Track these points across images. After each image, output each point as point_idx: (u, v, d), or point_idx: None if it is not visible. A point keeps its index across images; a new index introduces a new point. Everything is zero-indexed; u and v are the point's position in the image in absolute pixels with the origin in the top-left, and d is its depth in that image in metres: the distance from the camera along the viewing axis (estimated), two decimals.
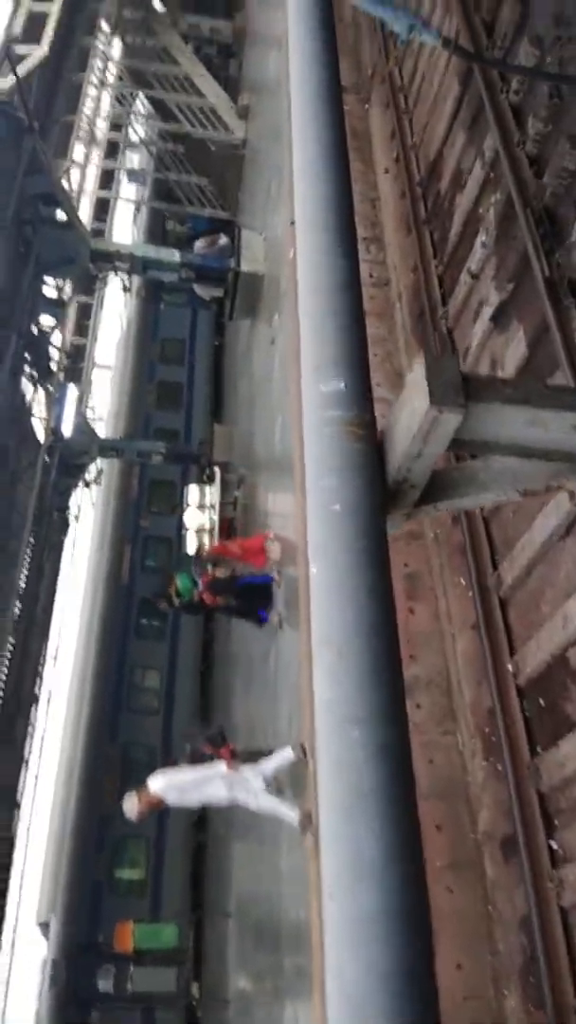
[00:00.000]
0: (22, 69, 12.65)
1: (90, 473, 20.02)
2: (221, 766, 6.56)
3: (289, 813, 6.45)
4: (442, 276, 9.05)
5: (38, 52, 13.53)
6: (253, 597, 10.60)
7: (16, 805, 16.83)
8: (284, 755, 6.63)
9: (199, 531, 15.63)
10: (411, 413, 2.17)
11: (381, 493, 2.23)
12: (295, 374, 2.53)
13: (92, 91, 21.36)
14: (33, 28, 14.60)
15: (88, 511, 21.25)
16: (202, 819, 19.52)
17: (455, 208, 8.72)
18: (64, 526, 19.75)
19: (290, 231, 4.23)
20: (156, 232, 27.22)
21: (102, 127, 23.44)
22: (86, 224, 23.01)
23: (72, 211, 13.90)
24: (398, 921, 1.62)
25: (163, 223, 27.16)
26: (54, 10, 14.84)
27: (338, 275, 2.60)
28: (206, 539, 15.38)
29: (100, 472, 20.70)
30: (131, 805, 6.47)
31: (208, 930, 16.98)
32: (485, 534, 7.42)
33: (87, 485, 20.35)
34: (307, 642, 1.96)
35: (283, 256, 14.10)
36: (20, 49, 13.64)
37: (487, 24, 8.41)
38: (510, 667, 6.72)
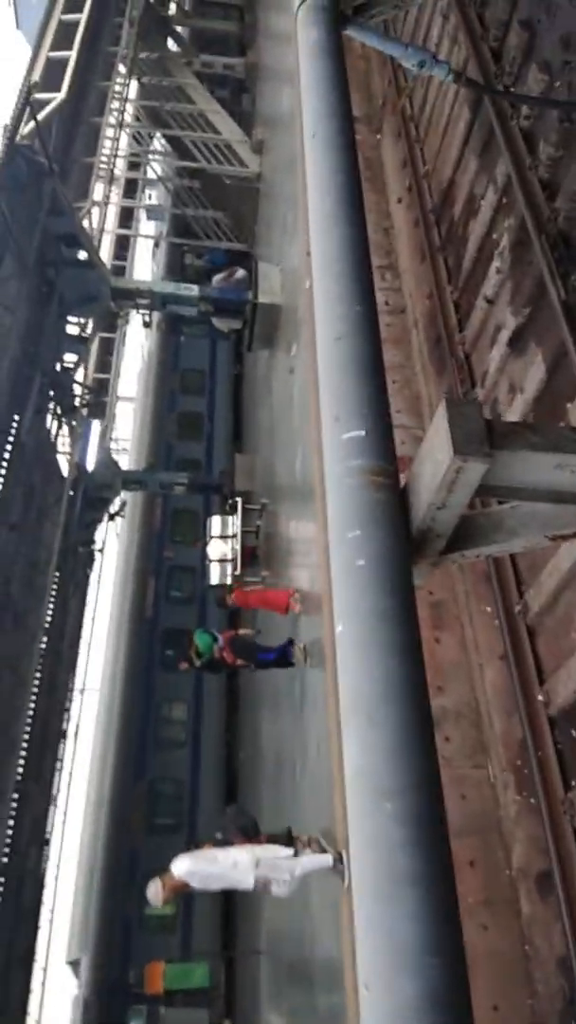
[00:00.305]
0: (42, 115, 12.96)
1: (114, 506, 20.15)
2: (252, 866, 6.08)
3: (322, 860, 6.05)
4: (458, 302, 9.04)
5: (57, 97, 13.88)
6: (277, 663, 10.27)
7: (45, 842, 16.72)
8: (318, 860, 6.13)
9: (222, 561, 15.57)
10: (435, 463, 2.11)
11: (406, 544, 2.17)
12: (315, 423, 2.49)
13: (110, 132, 21.84)
14: (52, 74, 15.01)
15: (112, 544, 21.36)
16: None
17: (469, 234, 8.73)
18: (89, 560, 19.84)
19: (306, 262, 4.23)
20: (175, 266, 27.61)
21: (121, 166, 23.96)
22: (106, 261, 23.45)
23: (93, 251, 14.15)
24: (438, 1012, 1.53)
25: (182, 257, 27.54)
26: (72, 56, 15.25)
27: (355, 318, 2.56)
28: (229, 569, 15.32)
29: (124, 504, 20.82)
30: (155, 892, 6.12)
31: (240, 968, 16.66)
32: (510, 561, 7.31)
33: (111, 518, 20.46)
34: (335, 706, 1.89)
35: (299, 287, 14.25)
36: (40, 95, 14.00)
37: (495, 51, 8.48)
38: (540, 697, 6.57)
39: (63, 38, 16.03)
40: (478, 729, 7.54)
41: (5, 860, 13.77)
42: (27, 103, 12.36)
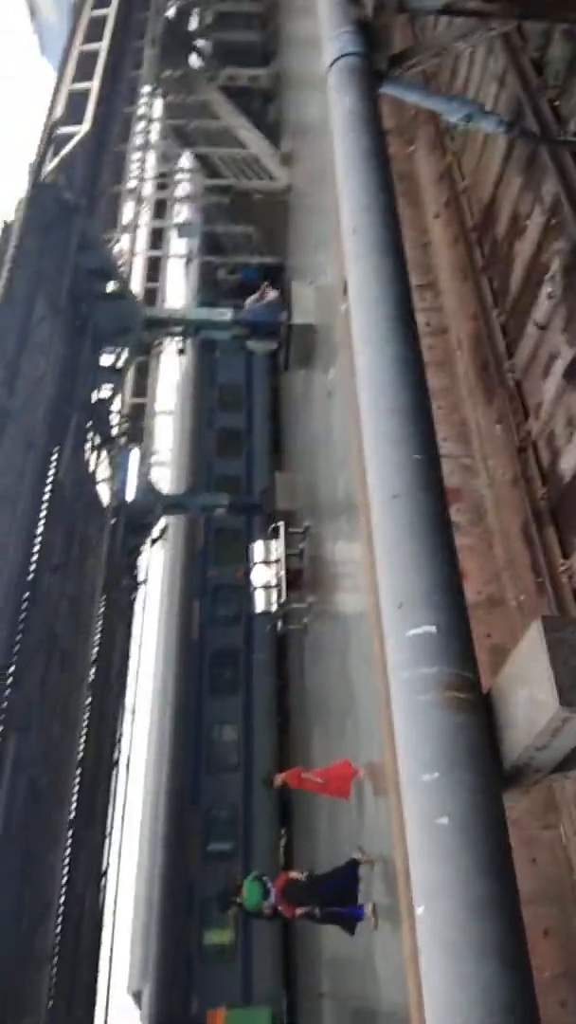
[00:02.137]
0: (65, 151, 12.82)
1: (156, 530, 20.01)
2: None
3: None
4: (505, 326, 8.55)
5: (81, 131, 13.71)
6: (341, 897, 8.58)
7: (102, 875, 16.61)
8: None
9: (267, 587, 15.32)
10: (532, 702, 1.70)
11: (498, 787, 1.76)
12: (372, 612, 2.10)
13: (137, 154, 21.74)
14: (76, 106, 14.86)
15: (156, 569, 21.20)
16: None
17: (515, 256, 8.24)
18: (134, 586, 19.73)
19: (343, 299, 3.87)
20: (208, 283, 27.45)
21: (149, 187, 23.88)
22: (139, 283, 23.37)
23: (124, 283, 13.98)
24: None
25: (214, 273, 27.38)
26: (95, 87, 15.07)
27: (414, 470, 2.14)
28: (274, 596, 15.06)
29: (166, 528, 20.66)
30: None
31: (302, 1012, 16.28)
32: None
33: (154, 542, 20.32)
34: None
35: (334, 305, 13.79)
36: (64, 129, 13.85)
37: (536, 63, 7.99)
38: None
39: (86, 67, 15.89)
40: (548, 787, 7.06)
41: (63, 900, 13.68)
42: (50, 141, 12.21)
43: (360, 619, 10.62)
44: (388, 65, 3.81)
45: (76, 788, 14.23)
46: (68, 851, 13.51)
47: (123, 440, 17.27)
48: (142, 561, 19.61)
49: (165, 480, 28.76)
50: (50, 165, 12.57)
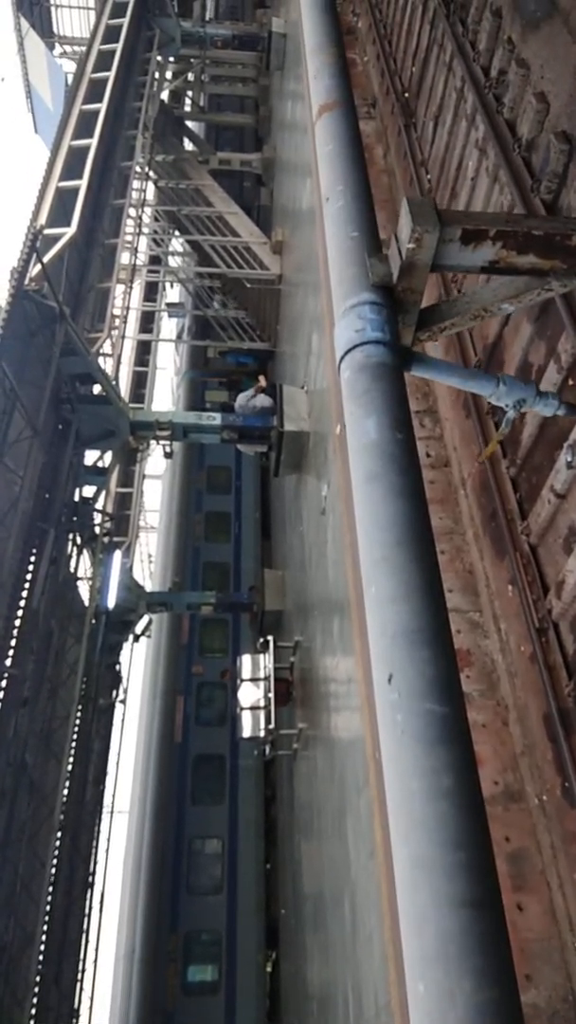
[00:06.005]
0: (48, 256, 12.32)
1: (139, 627, 19.11)
2: None
3: None
4: (515, 480, 7.91)
5: (67, 233, 13.26)
6: None
7: (74, 1014, 15.24)
8: None
9: (254, 708, 14.35)
10: None
11: None
12: None
13: (128, 237, 21.45)
14: (63, 206, 14.47)
15: (137, 666, 20.23)
16: (274, 1013, 17.62)
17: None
18: (116, 682, 18.74)
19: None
20: (198, 363, 27.15)
21: (139, 267, 23.58)
22: (127, 362, 22.90)
23: (110, 386, 13.35)
24: None
25: (204, 353, 27.10)
26: (83, 185, 14.72)
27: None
28: (262, 719, 14.09)
29: (150, 623, 19.76)
30: None
31: None
32: None
33: (136, 639, 19.41)
34: None
35: (327, 413, 13.12)
36: (49, 231, 13.39)
37: (546, 203, 7.54)
38: None
39: (75, 163, 15.58)
40: None
41: None
42: (33, 248, 11.69)
43: (354, 747, 9.78)
44: (416, 327, 3.17)
45: (44, 931, 13.02)
46: (35, 993, 12.27)
47: (107, 539, 16.46)
48: (123, 658, 18.62)
49: (149, 562, 28.03)
50: (33, 270, 12.03)
